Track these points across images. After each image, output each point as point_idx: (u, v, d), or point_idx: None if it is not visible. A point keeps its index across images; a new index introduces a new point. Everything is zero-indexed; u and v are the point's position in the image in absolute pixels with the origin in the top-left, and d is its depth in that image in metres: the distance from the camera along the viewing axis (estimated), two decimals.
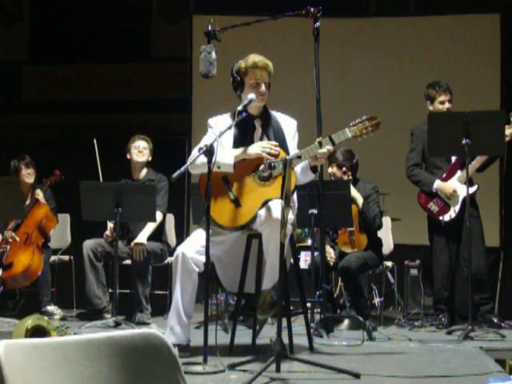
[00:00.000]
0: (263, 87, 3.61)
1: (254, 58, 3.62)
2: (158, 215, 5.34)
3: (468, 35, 6.99)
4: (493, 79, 6.89)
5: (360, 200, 4.99)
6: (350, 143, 5.00)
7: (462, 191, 4.88)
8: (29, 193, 5.67)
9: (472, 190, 4.88)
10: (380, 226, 5.12)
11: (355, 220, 4.94)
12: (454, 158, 5.00)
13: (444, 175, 5.02)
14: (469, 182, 4.79)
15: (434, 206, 5.01)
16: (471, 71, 6.87)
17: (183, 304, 3.48)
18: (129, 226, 5.42)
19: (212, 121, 3.69)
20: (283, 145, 3.60)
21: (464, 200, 4.84)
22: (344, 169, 5.04)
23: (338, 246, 5.09)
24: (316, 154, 3.51)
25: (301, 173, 3.63)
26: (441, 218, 4.97)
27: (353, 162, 5.11)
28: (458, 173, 4.99)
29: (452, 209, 4.96)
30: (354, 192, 4.97)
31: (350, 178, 5.07)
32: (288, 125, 3.74)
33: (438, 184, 5.00)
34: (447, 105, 4.99)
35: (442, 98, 4.99)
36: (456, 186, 4.95)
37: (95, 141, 5.44)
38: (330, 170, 5.11)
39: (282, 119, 3.75)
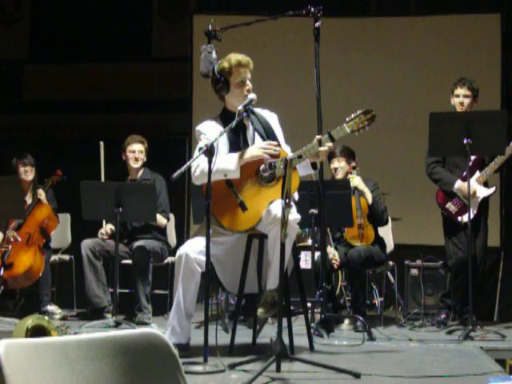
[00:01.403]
0: (250, 84, 3.61)
1: (237, 56, 3.61)
2: (165, 218, 5.37)
3: (468, 35, 6.98)
4: (493, 79, 6.87)
5: (369, 194, 5.01)
6: (350, 143, 5.04)
7: (481, 193, 4.87)
8: (29, 191, 5.66)
9: (490, 191, 4.91)
10: (386, 221, 5.18)
11: (364, 213, 4.98)
12: (472, 158, 4.85)
13: (464, 174, 4.88)
14: (487, 184, 4.88)
15: (452, 207, 4.94)
16: (471, 71, 6.84)
17: (185, 304, 3.47)
18: (127, 226, 5.41)
19: (202, 127, 3.64)
20: (274, 139, 3.60)
21: (481, 201, 4.83)
22: (353, 163, 5.05)
23: (340, 246, 5.08)
24: (317, 151, 3.51)
25: (299, 167, 3.62)
26: (459, 218, 4.91)
27: (354, 157, 5.14)
28: (477, 173, 4.92)
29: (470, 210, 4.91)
30: (362, 186, 5.01)
31: (357, 170, 5.06)
32: (271, 119, 3.74)
33: (458, 184, 4.91)
34: (461, 99, 4.94)
35: (457, 91, 4.97)
36: (475, 187, 4.84)
37: (101, 143, 5.44)
38: (336, 164, 5.08)
39: (265, 114, 3.74)
